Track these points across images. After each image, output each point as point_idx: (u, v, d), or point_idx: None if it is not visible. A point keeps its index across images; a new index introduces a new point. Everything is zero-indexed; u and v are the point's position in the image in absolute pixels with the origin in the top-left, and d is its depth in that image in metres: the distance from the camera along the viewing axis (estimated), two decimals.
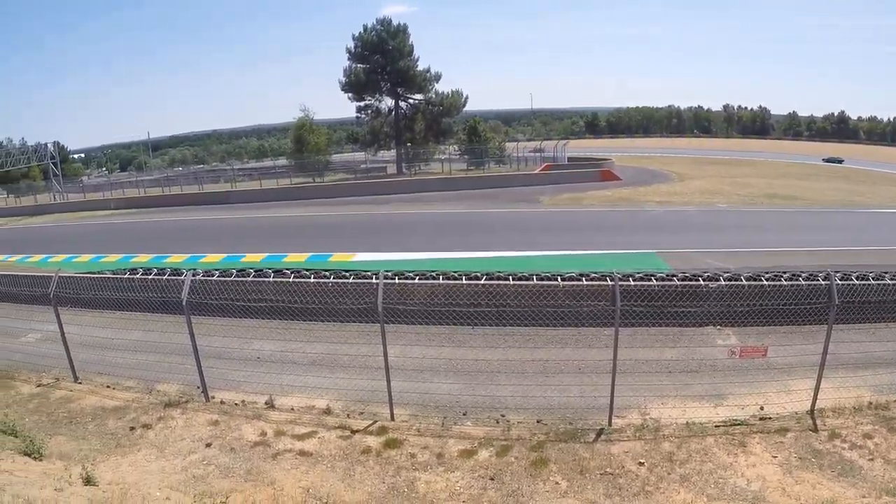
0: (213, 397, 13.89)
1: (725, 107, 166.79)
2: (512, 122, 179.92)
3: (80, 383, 15.59)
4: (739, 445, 10.49)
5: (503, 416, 12.02)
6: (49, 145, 75.72)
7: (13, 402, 14.79)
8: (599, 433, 11.20)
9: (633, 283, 14.62)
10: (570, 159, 63.12)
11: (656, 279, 15.64)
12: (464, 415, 12.24)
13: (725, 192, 40.00)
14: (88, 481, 9.80)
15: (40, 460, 10.87)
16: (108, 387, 15.22)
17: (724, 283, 15.34)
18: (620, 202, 37.05)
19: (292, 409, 13.09)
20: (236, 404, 13.53)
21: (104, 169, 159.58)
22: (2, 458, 10.26)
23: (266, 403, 13.36)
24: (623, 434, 11.12)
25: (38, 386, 15.72)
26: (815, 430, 10.94)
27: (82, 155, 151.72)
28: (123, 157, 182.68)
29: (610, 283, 13.39)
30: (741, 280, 15.42)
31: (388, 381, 12.16)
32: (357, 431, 11.91)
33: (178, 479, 10.52)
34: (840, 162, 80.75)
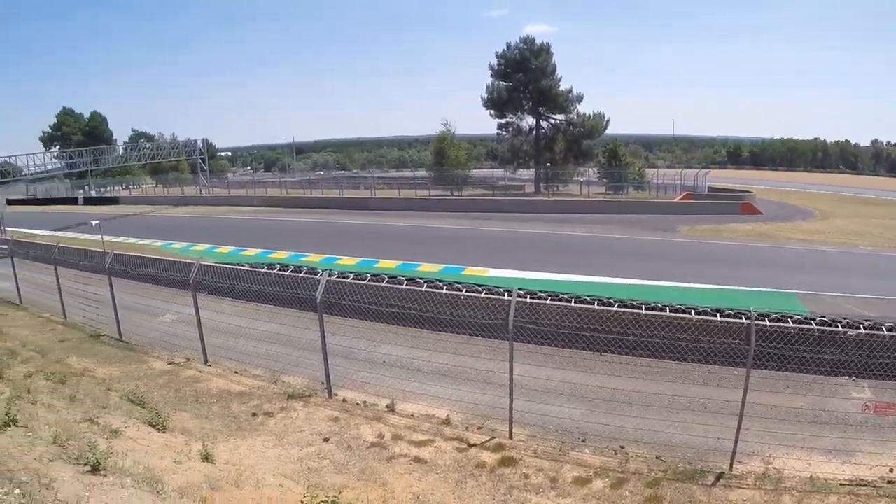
0: (336, 395, 14.24)
1: (874, 142, 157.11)
2: (652, 147, 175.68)
3: (209, 366, 16.38)
4: None
5: (622, 447, 11.73)
6: (198, 141, 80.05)
7: (144, 376, 15.67)
8: (719, 477, 10.71)
9: (768, 323, 13.95)
10: (710, 189, 61.01)
11: (793, 321, 14.88)
12: (582, 441, 12.03)
13: (870, 234, 37.60)
14: (206, 458, 10.20)
15: (163, 433, 11.40)
16: (235, 372, 15.91)
17: (863, 331, 14.41)
18: (760, 237, 35.53)
19: (412, 415, 13.24)
20: (358, 404, 13.81)
21: (249, 167, 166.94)
22: (128, 425, 10.81)
23: (387, 407, 13.55)
24: (743, 481, 10.58)
25: (170, 364, 16.59)
26: None
27: (229, 153, 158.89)
28: (268, 158, 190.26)
29: (745, 321, 12.87)
30: (882, 330, 14.40)
31: (511, 399, 12.11)
32: (474, 445, 11.90)
33: (293, 469, 10.81)
34: None
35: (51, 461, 7.57)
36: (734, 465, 10.92)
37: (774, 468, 10.94)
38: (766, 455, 11.28)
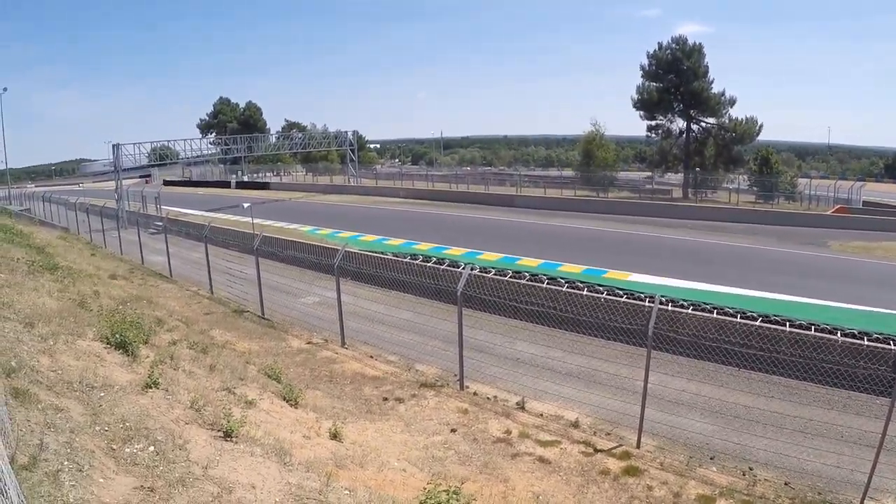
0: (468, 387, 14.30)
1: None
2: (806, 156, 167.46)
3: (345, 348, 16.83)
4: None
5: (751, 469, 11.18)
6: (349, 133, 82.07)
7: (282, 353, 16.24)
8: None
9: None
10: (865, 203, 57.61)
11: None
12: (711, 458, 11.57)
13: None
14: (335, 437, 10.46)
15: (296, 408, 11.77)
16: (370, 357, 16.27)
17: None
18: None
19: (541, 414, 13.12)
20: (488, 398, 13.81)
21: (397, 160, 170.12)
22: (263, 398, 11.22)
23: (517, 404, 13.48)
24: None
25: (308, 343, 17.14)
26: None
27: (377, 145, 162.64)
28: (416, 152, 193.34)
29: (894, 347, 12.05)
30: None
31: (643, 408, 11.78)
32: (600, 451, 11.66)
33: (418, 455, 10.91)
34: None
35: (186, 424, 7.93)
36: (865, 502, 10.24)
37: None
38: None
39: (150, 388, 8.73)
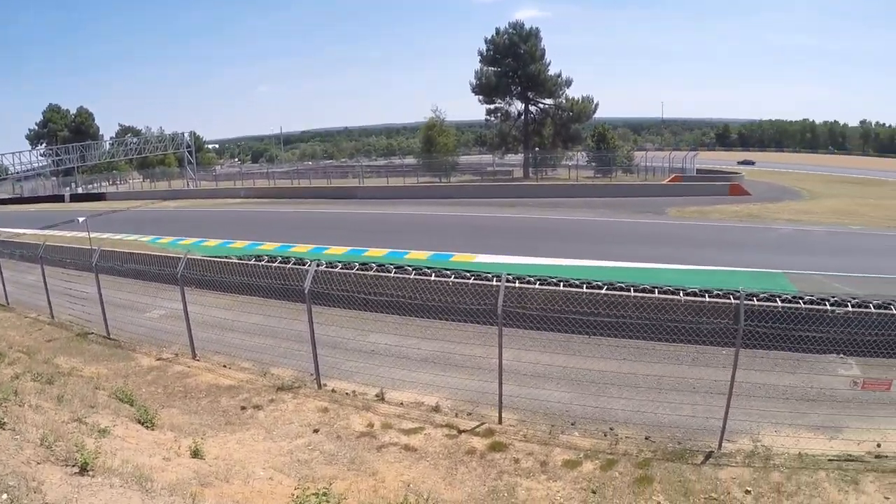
0: (325, 385, 14.24)
1: (862, 123, 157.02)
2: (641, 130, 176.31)
3: (197, 360, 16.36)
4: (852, 483, 9.78)
5: (612, 429, 11.77)
6: (185, 135, 79.85)
7: (132, 373, 15.64)
8: (708, 456, 10.76)
9: (757, 302, 13.97)
10: (699, 171, 61.16)
11: (781, 301, 14.92)
12: (572, 424, 12.06)
13: (859, 214, 37.63)
14: (196, 454, 10.20)
15: (152, 430, 11.39)
16: (224, 366, 15.89)
17: (851, 309, 14.45)
18: (749, 218, 35.59)
19: (402, 403, 13.26)
20: (347, 394, 13.82)
21: (237, 159, 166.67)
22: (116, 424, 10.79)
23: (376, 396, 13.56)
24: (732, 459, 10.63)
25: (158, 360, 16.57)
26: None
27: (216, 145, 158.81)
28: (255, 150, 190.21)
29: (734, 301, 12.90)
30: (870, 308, 14.41)
31: (500, 385, 12.12)
32: (464, 431, 11.92)
33: (283, 461, 10.80)
34: None
35: (39, 464, 7.55)
36: (723, 444, 10.97)
37: (763, 446, 10.99)
38: (755, 433, 11.33)
39: None
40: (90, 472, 7.57)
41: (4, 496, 6.39)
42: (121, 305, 19.46)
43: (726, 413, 10.82)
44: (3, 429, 8.36)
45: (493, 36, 70.29)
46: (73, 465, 7.66)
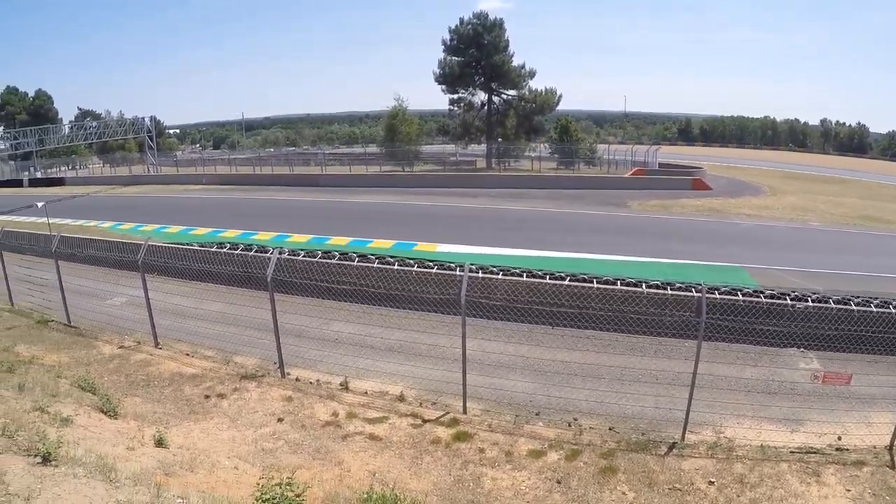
0: (289, 374, 14.23)
1: (823, 121, 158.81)
2: (604, 123, 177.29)
3: (160, 348, 16.21)
4: (813, 475, 10.04)
5: (576, 419, 11.92)
6: (146, 119, 78.39)
7: (94, 361, 15.46)
8: (671, 447, 10.96)
9: (718, 296, 14.20)
10: (661, 165, 61.50)
11: (743, 294, 15.17)
12: (536, 415, 12.19)
13: (818, 210, 38.35)
14: (160, 443, 10.15)
15: (115, 419, 11.30)
16: (187, 354, 15.78)
17: (811, 304, 14.71)
18: (710, 212, 36.06)
19: (366, 392, 13.29)
20: (311, 383, 13.82)
21: (198, 145, 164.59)
22: (79, 413, 10.69)
23: (340, 385, 13.57)
24: (695, 450, 10.84)
25: (120, 348, 16.40)
26: (893, 466, 10.37)
27: (177, 131, 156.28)
28: (217, 136, 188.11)
29: (696, 294, 13.08)
30: (829, 303, 14.73)
31: (464, 374, 12.19)
32: (428, 421, 12.00)
33: (248, 451, 10.79)
34: None
35: (1, 454, 7.45)
36: (686, 435, 11.18)
37: (726, 437, 11.21)
38: (718, 425, 11.56)
39: None
40: (53, 462, 7.50)
41: None
42: (81, 292, 19.16)
43: (689, 405, 11.00)
44: None
45: (456, 26, 70.07)
46: (36, 455, 7.58)
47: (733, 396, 12.22)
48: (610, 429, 11.57)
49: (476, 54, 68.76)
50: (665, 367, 13.06)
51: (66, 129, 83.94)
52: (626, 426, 11.59)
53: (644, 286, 15.81)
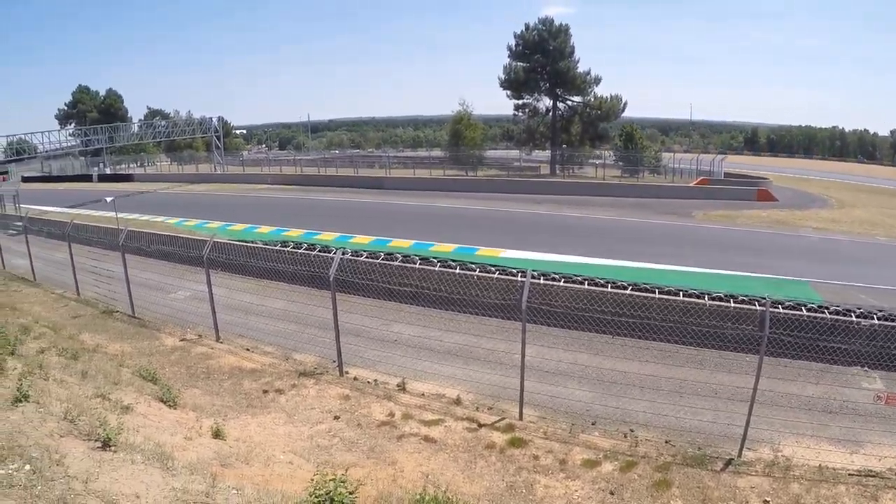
0: (348, 373, 14.27)
1: (893, 132, 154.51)
2: (669, 131, 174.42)
3: (221, 342, 16.44)
4: (871, 499, 9.59)
5: (632, 430, 11.67)
6: (214, 119, 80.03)
7: (156, 352, 15.74)
8: (728, 463, 10.63)
9: (782, 310, 13.75)
10: (726, 175, 60.36)
11: (807, 310, 14.68)
12: (592, 424, 11.99)
13: (886, 225, 36.98)
14: (217, 435, 10.25)
15: (174, 409, 11.46)
16: (247, 349, 15.96)
17: (876, 322, 14.16)
18: (775, 224, 35.13)
19: (423, 394, 13.24)
20: (368, 382, 13.82)
21: (264, 145, 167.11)
22: (139, 402, 10.86)
23: (398, 386, 13.55)
24: (752, 468, 10.49)
25: (182, 340, 16.68)
26: None
27: (244, 131, 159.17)
28: (283, 136, 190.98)
29: (759, 307, 12.71)
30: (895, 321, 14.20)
31: (522, 380, 12.07)
32: (484, 425, 11.88)
33: (303, 446, 10.84)
34: None
35: (62, 437, 7.59)
36: (743, 452, 10.83)
37: (784, 456, 10.84)
38: (776, 443, 11.17)
39: (21, 401, 8.26)
40: (112, 448, 7.60)
41: (27, 467, 6.41)
42: (146, 285, 19.58)
43: (748, 421, 10.68)
44: (28, 401, 8.41)
45: (522, 31, 69.71)
46: (96, 440, 7.69)
47: (793, 414, 11.80)
48: (666, 441, 11.30)
49: (541, 60, 68.29)
50: (725, 381, 12.73)
51: (136, 128, 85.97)
52: (683, 440, 11.31)
53: (706, 298, 15.49)
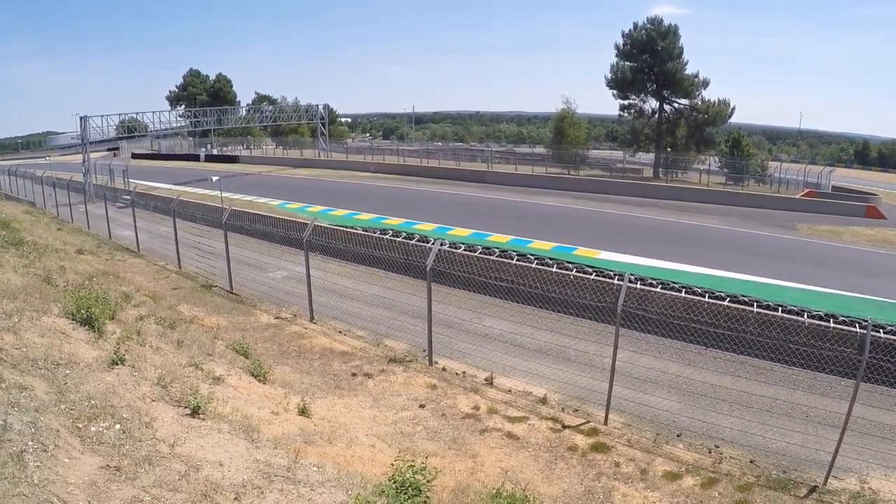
0: (436, 363, 14.35)
1: None
2: (776, 140, 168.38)
3: (314, 323, 16.78)
4: None
5: (717, 446, 11.32)
6: (319, 107, 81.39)
7: (250, 328, 16.19)
8: (812, 490, 10.16)
9: (883, 335, 13.03)
10: (834, 188, 57.91)
11: None
12: (678, 436, 11.71)
13: None
14: (303, 412, 10.45)
15: (264, 383, 11.74)
16: (339, 332, 16.26)
17: None
18: (883, 244, 33.26)
19: (510, 390, 13.19)
20: (456, 374, 13.86)
21: (368, 134, 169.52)
22: (230, 374, 11.16)
23: (485, 379, 13.54)
24: (836, 497, 9.98)
25: (276, 318, 17.09)
26: None
27: (349, 119, 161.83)
28: (387, 126, 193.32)
29: (860, 330, 12.16)
30: None
31: (611, 385, 11.88)
32: (568, 427, 11.76)
33: (386, 431, 10.95)
34: None
35: (153, 401, 7.85)
36: (829, 481, 10.35)
37: (870, 489, 10.29)
38: (864, 474, 10.62)
39: (117, 364, 8.59)
40: (201, 416, 7.83)
41: (118, 426, 6.65)
42: (245, 263, 20.14)
43: (837, 448, 10.19)
44: (124, 364, 8.72)
45: (630, 30, 68.40)
46: (186, 407, 7.95)
47: (885, 446, 11.18)
48: (751, 461, 10.92)
49: (649, 60, 66.93)
50: (817, 403, 12.22)
51: (243, 111, 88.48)
52: (768, 461, 10.90)
53: (806, 316, 14.94)
